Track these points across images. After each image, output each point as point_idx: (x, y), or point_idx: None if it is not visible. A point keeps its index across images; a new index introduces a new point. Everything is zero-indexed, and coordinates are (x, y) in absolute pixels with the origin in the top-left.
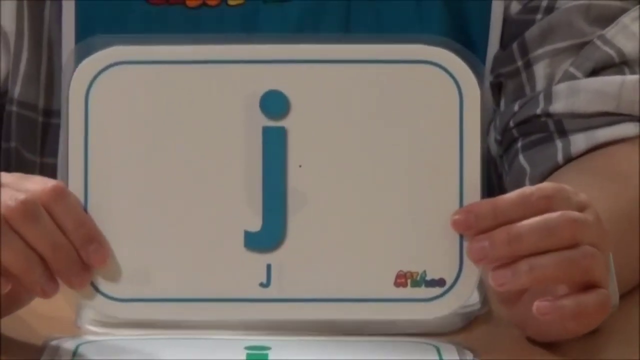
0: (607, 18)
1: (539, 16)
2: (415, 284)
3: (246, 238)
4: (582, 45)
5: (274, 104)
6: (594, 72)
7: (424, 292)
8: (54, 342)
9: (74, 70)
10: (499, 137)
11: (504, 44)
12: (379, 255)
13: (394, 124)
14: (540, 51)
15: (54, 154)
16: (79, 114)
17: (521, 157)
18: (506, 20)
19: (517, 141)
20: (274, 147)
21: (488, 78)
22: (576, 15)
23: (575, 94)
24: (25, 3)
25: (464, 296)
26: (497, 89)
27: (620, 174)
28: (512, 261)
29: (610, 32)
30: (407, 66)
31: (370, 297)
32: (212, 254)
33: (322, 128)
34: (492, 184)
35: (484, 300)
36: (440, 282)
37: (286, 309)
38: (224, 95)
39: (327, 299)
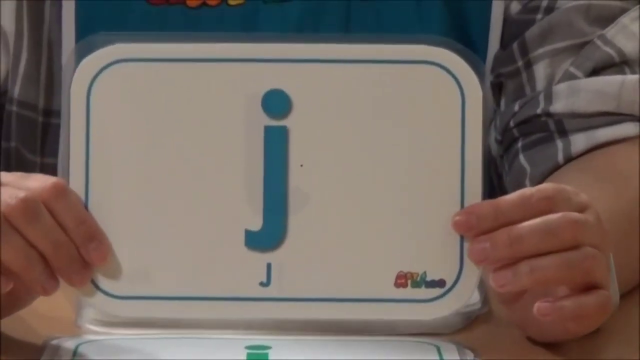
0: (607, 18)
1: (539, 16)
2: (416, 284)
3: (247, 237)
4: (582, 45)
5: (276, 103)
6: (594, 72)
7: (424, 292)
8: (54, 342)
9: (75, 68)
10: (499, 137)
11: (504, 44)
12: (379, 256)
13: (396, 124)
14: (540, 51)
15: (54, 154)
16: (81, 111)
17: (521, 157)
18: (506, 20)
19: (517, 141)
20: (276, 146)
21: (488, 78)
22: (576, 15)
23: (576, 93)
24: (25, 3)
25: (464, 297)
26: (497, 88)
27: (620, 173)
28: (513, 262)
29: (610, 32)
30: (409, 66)
31: (370, 297)
32: (212, 253)
33: (323, 128)
34: (493, 184)
35: (485, 300)
36: (440, 283)
37: (286, 308)
38: (225, 93)
39: (327, 298)
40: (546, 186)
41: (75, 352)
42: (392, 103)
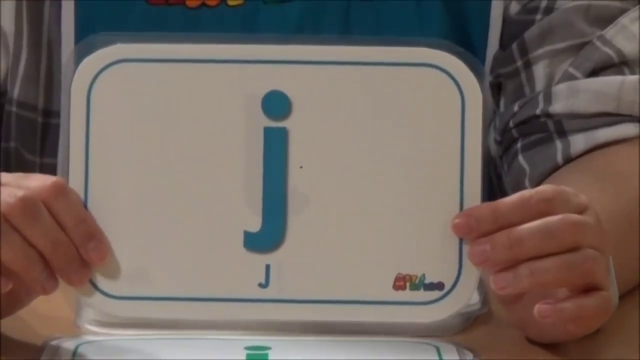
0: (607, 18)
1: (538, 16)
2: (414, 287)
3: (246, 238)
4: (581, 46)
5: (276, 104)
6: (594, 73)
7: (422, 295)
8: (53, 342)
9: (75, 68)
10: (498, 138)
11: (504, 44)
12: (378, 258)
13: (395, 127)
14: (539, 51)
15: (54, 154)
16: (81, 111)
17: (521, 158)
18: (505, 21)
19: (516, 141)
20: (275, 147)
21: (487, 78)
22: (576, 16)
23: (575, 94)
24: (24, 3)
25: (463, 300)
26: (496, 89)
27: (620, 174)
28: (513, 265)
29: (610, 32)
30: (409, 69)
31: (369, 300)
32: (211, 254)
33: (323, 129)
34: (492, 185)
35: (484, 300)
36: (439, 286)
37: (284, 309)
38: (225, 94)
39: (326, 300)
40: (545, 188)
41: (74, 353)
42: (391, 105)
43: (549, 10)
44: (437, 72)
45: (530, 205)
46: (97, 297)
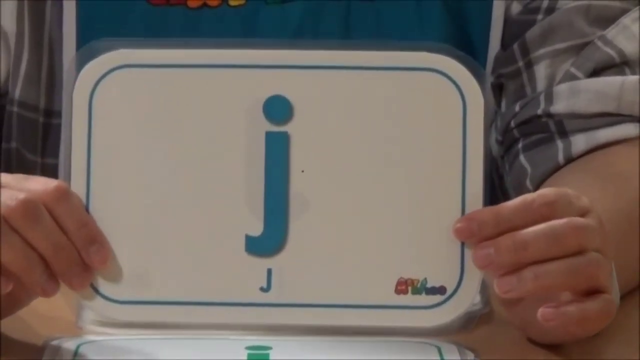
0: (608, 19)
1: (539, 16)
2: (416, 291)
3: (247, 242)
4: (582, 46)
5: (277, 109)
6: (595, 73)
7: (424, 299)
8: (54, 342)
9: (77, 74)
10: (500, 138)
11: (505, 44)
12: (379, 262)
13: (397, 131)
14: (541, 51)
15: (55, 154)
16: (83, 115)
17: (522, 158)
18: (507, 21)
19: (518, 142)
20: (277, 152)
21: (489, 79)
22: (577, 16)
23: (576, 94)
24: (25, 3)
25: (465, 304)
26: (498, 89)
27: (620, 174)
28: (517, 268)
29: (611, 32)
30: (410, 73)
31: (371, 304)
32: (212, 258)
33: (325, 134)
34: (494, 185)
35: (486, 300)
36: (441, 290)
37: (286, 313)
38: (227, 99)
39: (327, 304)
40: (547, 191)
41: (75, 353)
42: (393, 110)
43: (550, 10)
44: (439, 76)
45: (533, 208)
46: (98, 301)
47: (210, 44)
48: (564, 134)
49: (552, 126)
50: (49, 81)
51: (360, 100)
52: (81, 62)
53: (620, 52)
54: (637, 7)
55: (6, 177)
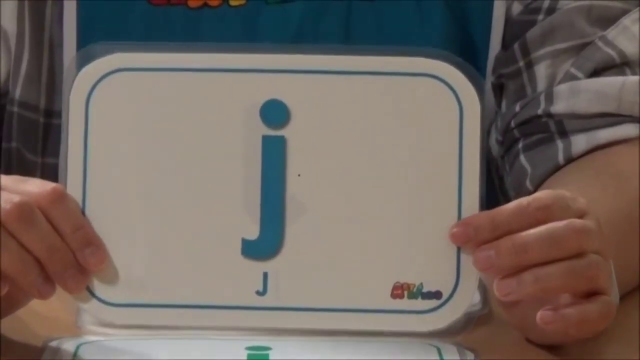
0: (609, 19)
1: (540, 17)
2: (412, 295)
3: (243, 246)
4: (583, 46)
5: (274, 113)
6: (595, 73)
7: (420, 304)
8: (54, 343)
9: (75, 77)
10: (500, 138)
11: (506, 44)
12: (376, 266)
13: (394, 136)
14: (541, 52)
15: (55, 154)
16: (79, 119)
17: (522, 158)
18: (508, 21)
19: (518, 142)
20: (273, 155)
21: (490, 79)
22: (577, 16)
23: (576, 94)
24: (26, 3)
25: (461, 309)
26: (498, 89)
27: (620, 174)
28: (517, 271)
29: (612, 33)
30: (407, 78)
31: (367, 308)
32: (209, 261)
33: (321, 138)
34: (494, 186)
35: (485, 301)
36: (437, 295)
37: (282, 317)
38: (224, 103)
39: (323, 308)
40: (542, 195)
41: (75, 353)
42: (390, 114)
43: (551, 10)
44: (435, 81)
45: (528, 212)
46: (94, 304)
47: (206, 47)
48: (564, 134)
49: (552, 126)
50: (50, 81)
51: (356, 105)
52: (79, 65)
53: (621, 53)
54: (638, 8)
55: (4, 180)
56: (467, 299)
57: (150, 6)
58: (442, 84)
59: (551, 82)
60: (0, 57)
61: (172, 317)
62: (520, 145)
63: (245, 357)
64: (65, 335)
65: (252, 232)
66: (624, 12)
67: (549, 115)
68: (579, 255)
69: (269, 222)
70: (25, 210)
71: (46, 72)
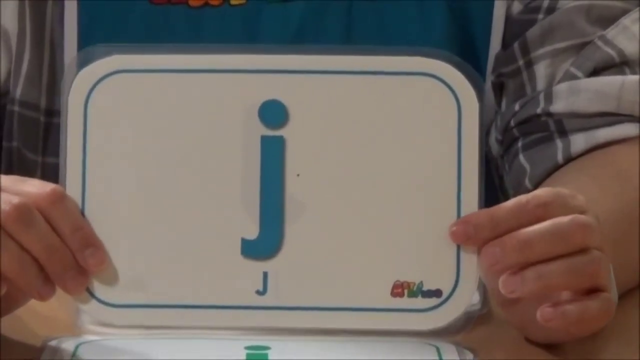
0: (608, 19)
1: (540, 16)
2: (412, 294)
3: (243, 245)
4: (582, 45)
5: (273, 113)
6: (595, 72)
7: (420, 302)
8: (53, 342)
9: (73, 78)
10: (500, 137)
11: (506, 43)
12: (375, 265)
13: (392, 135)
14: (541, 51)
15: (56, 153)
16: (78, 120)
17: (521, 157)
18: (508, 20)
19: (517, 141)
20: (272, 156)
21: (490, 78)
22: (577, 16)
23: (576, 93)
24: (27, 3)
25: (461, 307)
26: (498, 88)
27: (620, 174)
28: (521, 268)
29: (611, 32)
30: (406, 78)
31: (367, 307)
32: (208, 261)
33: (320, 138)
34: (494, 185)
35: (484, 300)
36: (437, 293)
37: (282, 317)
38: (223, 104)
39: (323, 307)
40: (541, 192)
41: (74, 353)
42: (388, 114)
43: (550, 9)
44: (434, 81)
45: (527, 209)
46: (94, 305)
47: (205, 48)
48: (563, 133)
49: (552, 125)
50: (50, 80)
51: (355, 105)
52: (78, 66)
53: (621, 52)
54: (638, 8)
55: (3, 180)
56: (467, 297)
57: (151, 5)
58: (440, 83)
59: (551, 82)
60: (1, 57)
61: (172, 317)
62: (519, 144)
63: (245, 357)
64: (64, 335)
65: (252, 231)
66: (624, 12)
67: (549, 114)
68: (581, 251)
69: (269, 221)
70: (24, 211)
71: (47, 71)
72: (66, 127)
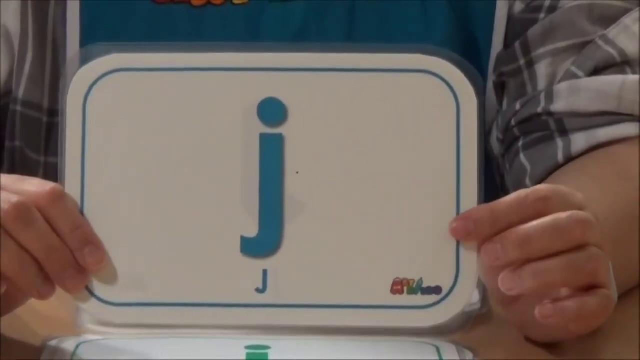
0: (610, 18)
1: (541, 15)
2: (412, 291)
3: (242, 243)
4: (583, 45)
5: (272, 111)
6: (596, 72)
7: (420, 299)
8: (53, 342)
9: (73, 77)
10: (501, 136)
11: (507, 43)
12: (375, 262)
13: (392, 133)
14: (542, 50)
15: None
16: (77, 119)
17: (522, 156)
18: (510, 20)
19: (518, 140)
20: (271, 154)
21: (491, 77)
22: (578, 15)
23: (576, 93)
24: (29, 3)
25: (461, 304)
26: (500, 88)
27: (620, 173)
28: (520, 264)
29: (612, 32)
30: (405, 75)
31: (366, 304)
32: (208, 259)
33: (319, 135)
34: (495, 184)
35: (484, 300)
36: (436, 290)
37: (282, 314)
38: (222, 102)
39: (323, 305)
40: (541, 187)
41: (74, 353)
42: (387, 111)
43: (552, 9)
44: (433, 78)
45: (527, 204)
46: (93, 304)
47: (203, 47)
48: (564, 132)
49: (552, 125)
50: (53, 80)
51: (354, 102)
52: (79, 65)
53: (621, 52)
54: (639, 7)
55: (3, 179)
56: (467, 294)
57: (153, 5)
58: (439, 80)
59: (551, 81)
60: (2, 57)
61: (172, 315)
62: (520, 143)
63: (245, 356)
64: (64, 334)
65: (251, 229)
66: (625, 11)
67: (549, 113)
68: (581, 247)
69: (268, 219)
70: (23, 210)
71: (49, 71)
72: (65, 126)
